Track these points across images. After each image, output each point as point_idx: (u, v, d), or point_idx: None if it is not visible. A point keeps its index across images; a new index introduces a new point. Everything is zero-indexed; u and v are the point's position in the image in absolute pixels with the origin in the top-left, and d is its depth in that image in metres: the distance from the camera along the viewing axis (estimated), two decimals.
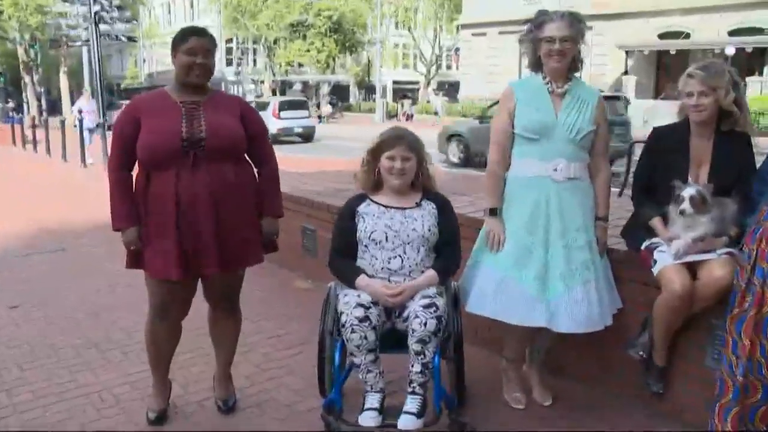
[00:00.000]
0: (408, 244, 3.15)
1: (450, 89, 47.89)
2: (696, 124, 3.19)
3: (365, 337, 2.94)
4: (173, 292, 3.19)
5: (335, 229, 3.35)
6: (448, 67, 54.99)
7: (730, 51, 26.46)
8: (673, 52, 29.95)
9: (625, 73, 32.00)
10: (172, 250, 3.05)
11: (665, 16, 30.60)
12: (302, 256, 5.91)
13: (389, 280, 3.13)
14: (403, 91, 49.00)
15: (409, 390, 3.00)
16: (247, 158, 3.29)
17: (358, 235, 3.20)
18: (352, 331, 2.94)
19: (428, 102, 41.58)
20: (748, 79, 26.83)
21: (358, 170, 3.35)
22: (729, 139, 3.18)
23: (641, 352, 3.28)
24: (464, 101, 38.19)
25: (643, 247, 3.21)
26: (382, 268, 3.15)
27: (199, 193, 3.04)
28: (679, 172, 3.16)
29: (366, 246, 3.18)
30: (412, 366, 2.98)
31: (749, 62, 28.01)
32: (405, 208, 3.22)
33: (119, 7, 16.99)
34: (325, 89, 48.25)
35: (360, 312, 2.95)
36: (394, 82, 52.54)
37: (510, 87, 3.37)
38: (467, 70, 40.87)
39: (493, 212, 3.33)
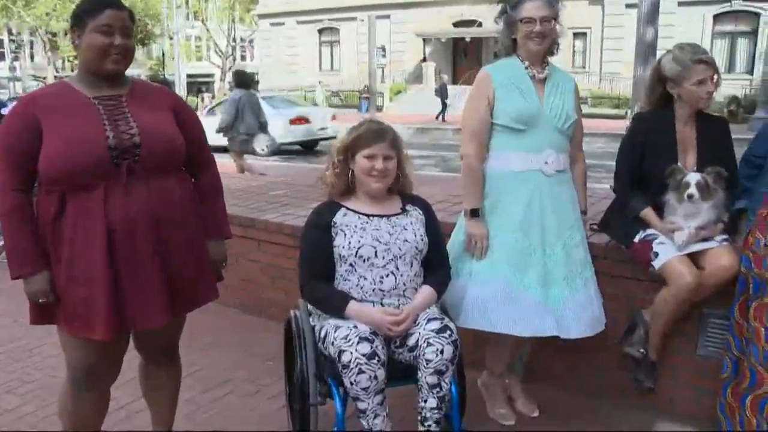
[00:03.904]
0: (400, 258, 2.70)
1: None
2: (682, 111, 3.04)
3: (375, 377, 2.46)
4: (101, 352, 2.43)
5: (306, 247, 2.80)
6: (243, 59, 53.65)
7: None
8: (468, 40, 31.34)
9: (424, 60, 33.03)
10: (99, 298, 2.30)
11: (458, 5, 31.80)
12: None
13: (381, 303, 2.67)
14: (197, 85, 47.06)
15: (422, 429, 2.57)
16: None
17: (337, 252, 2.70)
18: (360, 372, 2.43)
19: (225, 95, 40.25)
20: None
21: (325, 173, 2.82)
22: (709, 123, 3.08)
23: (641, 350, 3.11)
24: (265, 93, 37.26)
25: (636, 240, 3.01)
26: (373, 290, 2.67)
27: (137, 217, 2.33)
28: (668, 160, 3.00)
29: (352, 265, 2.69)
30: (425, 401, 2.55)
31: None
32: (389, 216, 2.77)
33: None
34: None
35: (366, 348, 2.46)
36: (188, 76, 50.12)
37: (486, 72, 3.02)
38: (266, 61, 40.07)
39: (475, 213, 2.98)
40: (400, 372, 2.64)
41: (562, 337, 2.88)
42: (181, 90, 35.61)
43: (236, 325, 4.55)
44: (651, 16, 8.05)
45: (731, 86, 24.39)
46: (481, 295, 2.92)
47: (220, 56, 46.30)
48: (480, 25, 31.20)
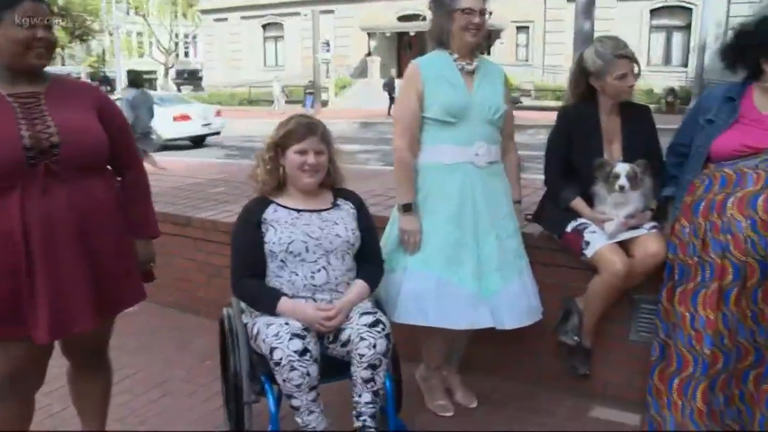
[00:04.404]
0: (332, 252, 2.67)
1: (190, 77, 46.02)
2: (605, 103, 3.09)
3: (307, 374, 2.42)
4: (26, 357, 2.33)
5: (237, 244, 2.74)
6: (186, 55, 52.79)
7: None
8: (412, 34, 31.41)
9: (369, 54, 33.00)
10: (26, 300, 2.21)
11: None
12: None
13: (314, 299, 2.64)
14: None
15: (358, 425, 2.55)
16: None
17: (268, 248, 2.65)
18: (292, 369, 2.40)
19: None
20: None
21: (256, 171, 2.77)
22: (633, 112, 3.14)
23: (575, 337, 3.15)
24: (209, 89, 36.86)
25: (568, 230, 3.05)
26: (305, 286, 2.64)
27: (57, 221, 2.23)
28: (594, 150, 3.05)
29: (283, 261, 2.65)
30: (360, 396, 2.53)
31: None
32: (320, 211, 2.74)
33: None
34: None
35: (298, 344, 2.42)
36: (130, 72, 49.11)
37: (415, 66, 3.02)
38: (210, 57, 39.54)
39: (407, 208, 2.97)
40: (335, 367, 2.61)
41: (497, 329, 2.90)
42: (122, 87, 34.89)
43: (173, 325, 4.47)
44: (587, 9, 8.13)
45: (668, 78, 25.09)
46: (416, 289, 2.91)
47: (163, 52, 45.45)
48: (424, 18, 30.96)
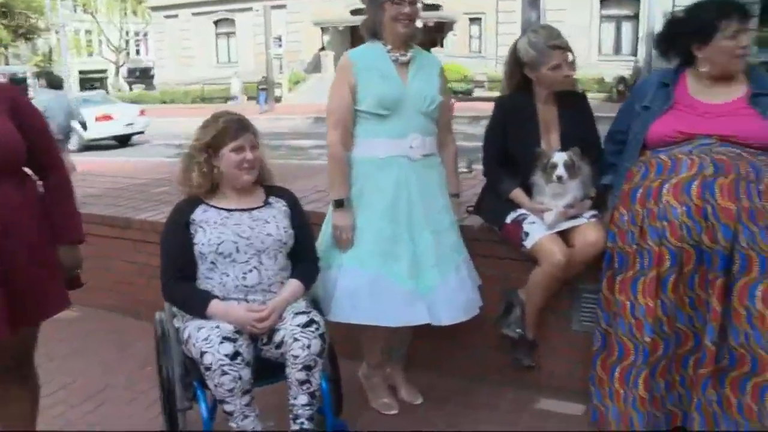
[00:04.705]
0: (263, 252, 2.59)
1: (142, 75, 45.26)
2: (541, 91, 3.06)
3: (239, 377, 2.35)
4: None
5: (166, 246, 2.65)
6: (138, 53, 51.84)
7: (418, 24, 28.36)
8: None
9: (322, 49, 32.78)
10: None
11: None
12: None
13: (246, 300, 2.56)
14: (90, 81, 45.21)
15: (295, 428, 2.48)
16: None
17: (197, 249, 2.57)
18: (223, 374, 2.32)
19: (120, 90, 38.89)
20: (432, 50, 29.11)
21: (190, 175, 2.64)
22: (569, 101, 3.11)
23: (517, 330, 3.12)
24: (161, 87, 36.24)
25: (508, 221, 3.01)
26: (236, 287, 2.56)
27: None
28: (532, 140, 3.02)
29: (213, 262, 2.56)
30: (295, 398, 2.46)
31: (431, 35, 30.34)
32: (251, 209, 2.66)
33: None
34: None
35: (228, 348, 2.35)
36: (80, 72, 48.03)
37: (348, 58, 2.96)
38: (161, 55, 38.87)
39: (340, 204, 2.91)
40: (270, 370, 2.55)
41: (434, 325, 2.86)
42: (72, 86, 34.12)
43: (112, 330, 4.34)
44: (534, 0, 8.16)
45: (619, 67, 25.39)
46: (351, 286, 2.85)
47: (113, 51, 44.55)
48: None
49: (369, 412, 3.15)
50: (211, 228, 2.57)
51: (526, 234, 2.92)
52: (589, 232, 2.88)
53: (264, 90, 26.31)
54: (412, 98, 2.89)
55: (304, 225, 2.76)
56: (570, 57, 2.99)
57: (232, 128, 2.60)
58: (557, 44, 2.95)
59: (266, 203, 2.70)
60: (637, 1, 27.35)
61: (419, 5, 2.90)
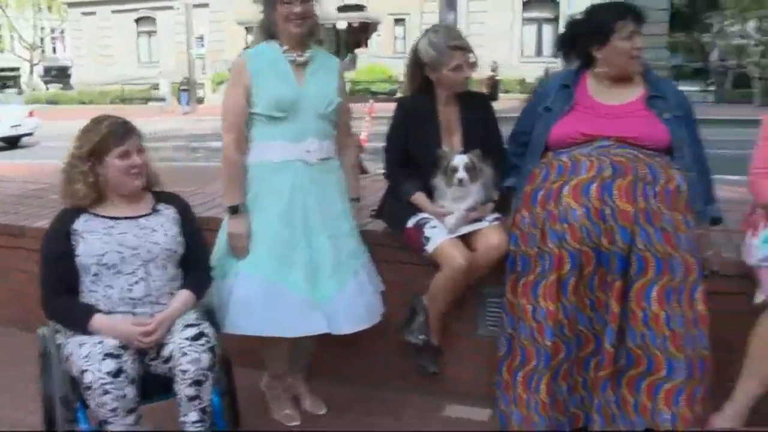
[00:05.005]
0: (151, 262, 2.46)
1: (59, 74, 43.65)
2: (442, 93, 3.01)
3: (123, 396, 2.21)
4: None
5: (44, 259, 2.48)
6: (54, 51, 49.98)
7: (342, 25, 28.52)
8: None
9: (247, 47, 32.24)
10: None
11: None
12: None
13: (133, 313, 2.42)
14: (2, 80, 43.36)
15: None
16: None
17: (78, 261, 2.41)
18: (105, 392, 2.18)
19: (34, 90, 37.40)
20: (357, 51, 29.31)
21: (74, 187, 2.47)
22: (471, 102, 3.08)
23: (421, 336, 3.06)
24: (79, 87, 35.02)
25: (409, 225, 2.95)
26: (122, 299, 2.41)
27: None
28: (432, 142, 2.97)
29: (96, 274, 2.41)
30: (186, 416, 2.34)
31: (356, 36, 30.38)
32: (138, 217, 2.52)
33: None
34: None
35: (111, 365, 2.20)
36: None
37: (242, 58, 2.86)
38: (79, 53, 37.56)
39: (235, 210, 2.79)
40: (160, 386, 2.42)
41: (334, 334, 2.77)
42: None
43: (4, 344, 4.10)
44: (451, 2, 8.24)
45: (540, 69, 25.89)
46: (246, 296, 2.74)
47: (27, 48, 42.81)
48: None
49: (271, 424, 3.04)
50: (93, 238, 2.42)
51: (427, 239, 2.87)
52: (491, 235, 2.85)
53: (186, 91, 25.75)
54: (309, 100, 2.79)
55: (195, 232, 2.64)
56: (471, 58, 2.95)
57: (117, 132, 2.46)
58: (457, 45, 2.91)
59: (154, 210, 2.57)
60: (556, 4, 27.98)
61: (313, 3, 2.80)
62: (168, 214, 2.58)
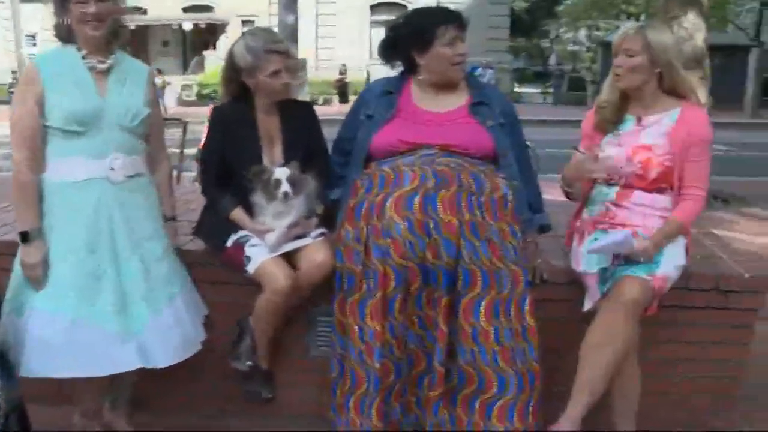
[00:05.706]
0: None
1: None
2: (261, 101, 2.82)
3: None
4: None
5: None
6: None
7: (188, 26, 27.74)
8: (133, 27, 29.59)
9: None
10: None
11: None
12: None
13: None
14: None
15: None
16: None
17: None
18: None
19: None
20: (205, 53, 28.47)
21: None
22: (293, 110, 2.91)
23: (248, 362, 2.85)
24: None
25: (229, 245, 2.73)
26: None
27: None
28: (251, 154, 2.76)
29: None
30: None
31: (204, 38, 29.55)
32: None
33: None
34: None
35: None
36: None
37: (34, 65, 2.50)
38: None
39: (26, 237, 2.45)
40: None
41: (149, 367, 2.50)
42: None
43: None
44: (290, 4, 8.08)
45: (390, 72, 26.32)
46: (43, 336, 2.40)
47: None
48: (145, 12, 29.74)
49: None
50: None
51: (248, 258, 2.66)
52: (315, 252, 2.68)
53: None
54: (112, 112, 2.49)
55: None
56: (290, 63, 2.77)
57: None
58: (276, 48, 2.71)
59: None
60: (404, 8, 28.48)
61: (112, 3, 2.49)
62: None
